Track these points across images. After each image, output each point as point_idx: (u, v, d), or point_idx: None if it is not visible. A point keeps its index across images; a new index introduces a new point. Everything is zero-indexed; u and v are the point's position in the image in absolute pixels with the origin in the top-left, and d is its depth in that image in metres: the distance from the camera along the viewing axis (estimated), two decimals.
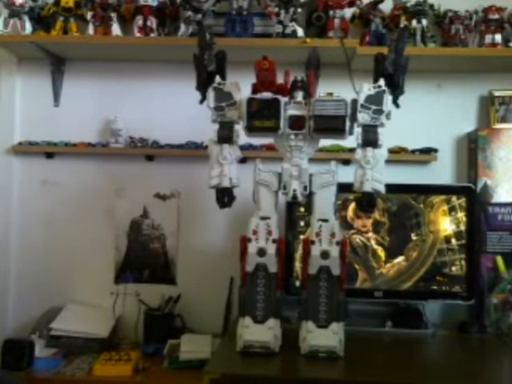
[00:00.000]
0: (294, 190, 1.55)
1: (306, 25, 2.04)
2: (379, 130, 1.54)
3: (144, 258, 2.18)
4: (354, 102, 1.55)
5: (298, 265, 1.90)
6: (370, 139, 1.53)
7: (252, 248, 1.55)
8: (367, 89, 1.54)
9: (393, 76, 1.55)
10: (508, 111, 2.08)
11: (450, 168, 2.14)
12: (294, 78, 1.60)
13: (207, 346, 1.84)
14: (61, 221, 2.18)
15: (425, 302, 1.94)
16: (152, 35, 2.03)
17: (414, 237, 1.94)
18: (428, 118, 2.12)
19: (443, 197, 1.93)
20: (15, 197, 2.20)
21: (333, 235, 1.54)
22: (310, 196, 1.58)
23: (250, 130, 1.58)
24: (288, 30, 1.96)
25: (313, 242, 1.55)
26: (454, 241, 1.92)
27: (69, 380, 1.76)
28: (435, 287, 1.91)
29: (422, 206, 1.94)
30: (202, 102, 1.61)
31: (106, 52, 2.11)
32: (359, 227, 1.95)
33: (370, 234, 1.95)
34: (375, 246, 1.94)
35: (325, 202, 1.58)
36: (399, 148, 2.06)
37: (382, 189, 1.52)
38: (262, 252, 1.55)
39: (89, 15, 2.03)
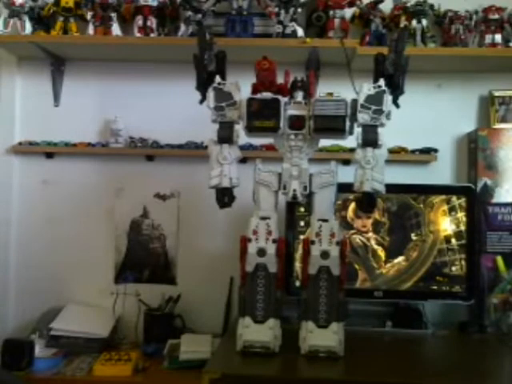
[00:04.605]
0: (294, 190, 1.55)
1: (306, 25, 2.04)
2: (379, 129, 1.54)
3: (144, 258, 2.18)
4: (354, 101, 1.55)
5: (298, 265, 1.90)
6: (370, 139, 1.52)
7: (252, 248, 1.55)
8: (367, 89, 1.54)
9: (393, 76, 1.55)
10: (508, 111, 2.08)
11: (450, 168, 2.15)
12: (294, 78, 1.60)
13: (207, 346, 1.84)
14: (61, 221, 2.18)
15: (425, 302, 1.94)
16: (152, 35, 2.03)
17: (414, 237, 1.94)
18: (428, 118, 2.12)
19: (443, 197, 1.93)
20: (15, 197, 2.20)
21: (333, 235, 1.54)
22: (309, 196, 1.58)
23: (250, 130, 1.57)
24: (288, 30, 1.96)
25: (313, 242, 1.55)
26: (453, 241, 1.92)
27: (69, 380, 1.76)
28: (435, 287, 1.91)
29: (421, 206, 1.94)
30: (201, 102, 1.61)
31: (106, 52, 2.11)
32: (359, 227, 1.95)
33: (370, 234, 1.95)
34: (375, 246, 1.94)
35: (325, 202, 1.58)
36: (399, 148, 2.06)
37: (382, 189, 1.52)
38: (261, 252, 1.55)
39: (89, 15, 2.03)
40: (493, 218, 1.98)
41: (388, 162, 1.56)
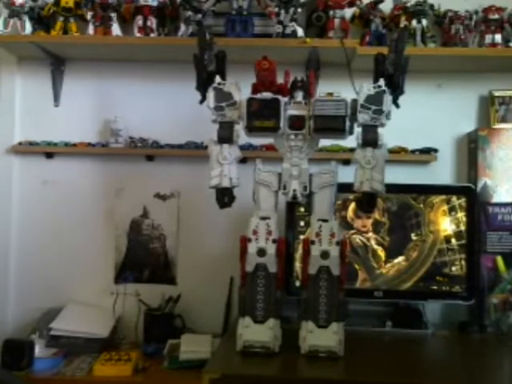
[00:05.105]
0: (294, 190, 1.55)
1: (306, 25, 2.04)
2: (379, 129, 1.54)
3: (144, 258, 2.18)
4: (354, 101, 1.55)
5: (298, 265, 1.90)
6: (369, 139, 1.53)
7: (252, 248, 1.55)
8: (367, 89, 1.54)
9: (393, 76, 1.55)
10: (508, 111, 2.08)
11: (450, 168, 2.15)
12: (294, 78, 1.60)
13: (207, 346, 1.84)
14: (61, 221, 2.18)
15: (425, 302, 1.94)
16: (152, 35, 2.03)
17: (414, 237, 1.94)
18: (428, 118, 2.12)
19: (443, 197, 1.93)
20: (15, 197, 2.20)
21: (333, 235, 1.54)
22: (309, 196, 1.58)
23: (250, 130, 1.57)
24: (288, 30, 1.95)
25: (313, 242, 1.55)
26: (454, 241, 1.92)
27: (69, 380, 1.76)
28: (435, 287, 1.91)
29: (421, 206, 1.94)
30: (201, 102, 1.61)
31: (106, 52, 2.11)
32: (359, 227, 1.95)
33: (370, 234, 1.95)
34: (375, 246, 1.94)
35: (325, 202, 1.58)
36: (399, 148, 2.06)
37: (382, 189, 1.52)
38: (261, 252, 1.54)
39: (89, 15, 2.03)
40: (493, 218, 1.98)
41: (388, 162, 1.56)
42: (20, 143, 2.17)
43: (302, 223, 1.93)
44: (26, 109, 2.21)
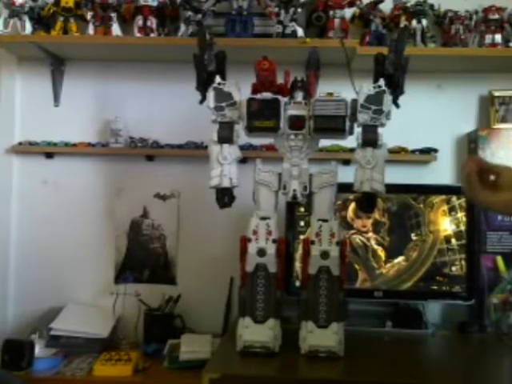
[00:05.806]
0: (294, 190, 1.55)
1: (306, 25, 2.04)
2: (379, 129, 1.54)
3: (144, 258, 2.18)
4: (354, 101, 1.55)
5: (298, 265, 1.90)
6: (369, 139, 1.52)
7: (252, 248, 1.54)
8: (367, 89, 1.54)
9: (393, 76, 1.55)
10: (508, 111, 2.07)
11: (450, 168, 2.15)
12: (294, 78, 1.60)
13: (207, 346, 1.84)
14: (61, 221, 2.18)
15: (425, 302, 1.94)
16: (152, 35, 2.03)
17: (414, 237, 1.94)
18: (428, 118, 2.12)
19: (443, 197, 1.93)
20: (15, 197, 2.20)
21: (333, 235, 1.54)
22: (309, 196, 1.58)
23: (250, 130, 1.57)
24: (288, 30, 1.95)
25: (313, 242, 1.55)
26: (453, 241, 1.92)
27: (69, 380, 1.76)
28: (435, 287, 1.91)
29: (421, 206, 1.94)
30: (201, 102, 1.61)
31: (106, 52, 2.11)
32: (359, 227, 1.95)
33: (370, 234, 1.95)
34: (375, 246, 1.94)
35: (325, 202, 1.57)
36: (399, 148, 2.06)
37: (382, 189, 1.52)
38: (261, 252, 1.54)
39: (89, 15, 2.03)
40: (493, 218, 1.98)
41: (388, 162, 1.56)
42: (20, 143, 2.17)
43: (302, 223, 1.93)
44: (26, 109, 2.21)
